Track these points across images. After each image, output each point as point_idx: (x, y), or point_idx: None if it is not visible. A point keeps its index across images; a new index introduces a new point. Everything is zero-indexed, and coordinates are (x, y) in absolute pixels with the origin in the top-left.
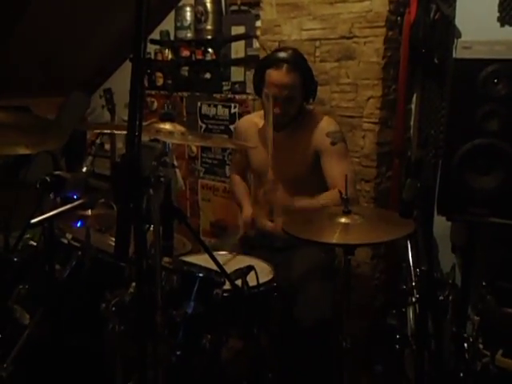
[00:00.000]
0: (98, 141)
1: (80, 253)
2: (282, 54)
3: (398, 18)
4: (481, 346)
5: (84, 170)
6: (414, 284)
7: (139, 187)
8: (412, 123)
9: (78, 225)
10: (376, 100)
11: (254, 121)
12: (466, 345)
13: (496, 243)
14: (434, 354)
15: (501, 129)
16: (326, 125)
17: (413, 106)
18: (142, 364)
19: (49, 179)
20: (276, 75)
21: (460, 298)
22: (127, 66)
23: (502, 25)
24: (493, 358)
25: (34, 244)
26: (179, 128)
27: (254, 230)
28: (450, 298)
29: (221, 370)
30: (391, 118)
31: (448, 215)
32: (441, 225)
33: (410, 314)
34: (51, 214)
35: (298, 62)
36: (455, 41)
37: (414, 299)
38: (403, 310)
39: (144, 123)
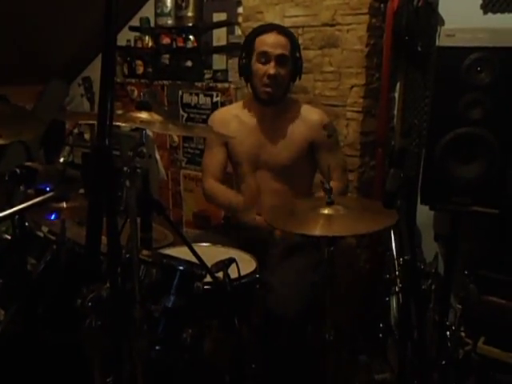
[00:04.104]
0: (75, 131)
1: (55, 246)
2: (271, 24)
3: (382, 6)
4: (463, 334)
5: (61, 160)
6: (397, 273)
7: (111, 178)
8: (395, 112)
9: (52, 217)
10: (359, 88)
11: (232, 113)
12: (448, 333)
13: (478, 232)
14: (416, 342)
15: (484, 117)
16: (320, 117)
17: (396, 95)
18: (119, 361)
19: (19, 171)
20: (267, 37)
21: (442, 287)
22: None
23: (485, 12)
24: (475, 345)
25: (8, 237)
26: (156, 117)
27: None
28: (433, 286)
29: (203, 363)
30: (375, 106)
31: (431, 204)
32: (424, 214)
33: (394, 304)
34: (19, 207)
35: (287, 30)
36: (438, 28)
37: (397, 288)
38: (386, 299)
39: (119, 112)
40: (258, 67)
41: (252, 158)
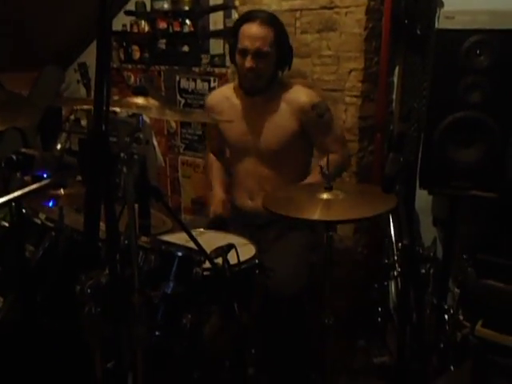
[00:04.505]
0: (72, 117)
1: (53, 233)
2: (257, 11)
3: None
4: (461, 318)
5: (58, 147)
6: (395, 258)
7: (108, 164)
8: (394, 96)
9: (50, 204)
10: (358, 73)
11: (225, 94)
12: (446, 316)
13: (477, 216)
14: (415, 326)
15: (483, 101)
16: (309, 97)
17: (395, 79)
18: (118, 347)
19: (15, 157)
20: (248, 27)
21: (441, 271)
22: None
23: None
24: (473, 328)
25: (6, 224)
26: (153, 102)
27: (225, 212)
28: (431, 270)
29: (202, 349)
30: (373, 91)
31: (430, 189)
32: (422, 198)
33: (392, 288)
34: (16, 194)
35: (272, 18)
36: (438, 11)
37: (395, 273)
38: (385, 283)
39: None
40: (239, 59)
41: (241, 142)
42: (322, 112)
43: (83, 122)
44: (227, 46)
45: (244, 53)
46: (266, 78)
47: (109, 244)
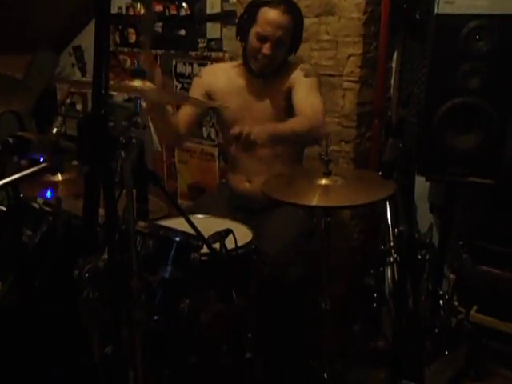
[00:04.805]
0: (68, 100)
1: (51, 218)
2: None
3: None
4: (456, 303)
5: (54, 131)
6: (392, 244)
7: (106, 148)
8: (392, 82)
9: (48, 195)
10: (356, 58)
11: (224, 72)
12: (441, 302)
13: (473, 203)
14: (411, 312)
15: (482, 87)
16: (300, 63)
17: (393, 65)
18: (118, 331)
19: (12, 141)
20: (272, 13)
21: (436, 257)
22: None
23: None
24: (467, 314)
25: (4, 208)
26: (150, 85)
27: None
28: (427, 257)
29: (200, 334)
30: (372, 76)
31: (427, 175)
32: (419, 185)
33: (388, 274)
34: (14, 177)
35: (293, 6)
36: None
37: (391, 259)
38: (381, 269)
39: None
40: (254, 42)
41: (237, 120)
42: (308, 74)
43: (78, 107)
44: (224, 30)
45: (263, 39)
46: (276, 64)
47: (108, 228)
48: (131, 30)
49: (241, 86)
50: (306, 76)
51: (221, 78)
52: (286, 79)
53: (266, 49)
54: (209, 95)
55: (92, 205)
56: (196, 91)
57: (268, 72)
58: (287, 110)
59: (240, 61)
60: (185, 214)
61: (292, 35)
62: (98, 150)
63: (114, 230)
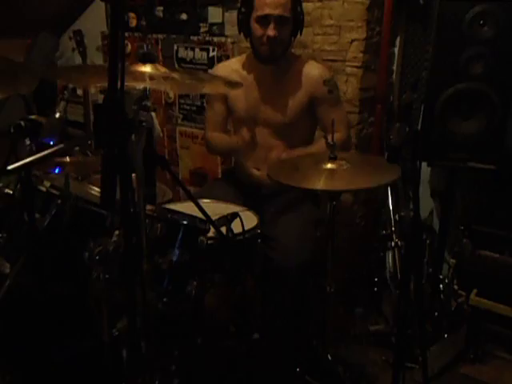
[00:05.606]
0: (70, 85)
1: (60, 201)
2: None
3: None
4: (456, 287)
5: (57, 115)
6: (393, 229)
7: (124, 131)
8: (395, 67)
9: (56, 171)
10: (360, 43)
11: (233, 67)
12: (441, 286)
13: (473, 188)
14: (413, 295)
15: (485, 72)
16: (321, 72)
17: (396, 50)
18: (130, 312)
19: (23, 124)
20: None
21: (437, 242)
22: (97, 5)
23: None
24: (467, 297)
25: (10, 192)
26: (162, 69)
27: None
28: (428, 241)
29: (207, 316)
30: (375, 61)
31: (429, 160)
32: (421, 170)
33: (389, 259)
34: (29, 159)
35: None
36: None
37: (392, 244)
38: (382, 254)
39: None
40: (257, 28)
41: (251, 114)
42: (332, 88)
43: (79, 92)
44: (227, 14)
45: (265, 21)
46: (284, 46)
47: (123, 211)
48: (132, 15)
49: (253, 81)
50: (330, 92)
51: (232, 74)
52: (300, 77)
53: (270, 30)
54: (224, 96)
55: (110, 189)
56: (214, 96)
57: (278, 54)
58: (306, 113)
59: (246, 53)
60: (192, 196)
61: (293, 13)
62: (114, 134)
63: (129, 212)
